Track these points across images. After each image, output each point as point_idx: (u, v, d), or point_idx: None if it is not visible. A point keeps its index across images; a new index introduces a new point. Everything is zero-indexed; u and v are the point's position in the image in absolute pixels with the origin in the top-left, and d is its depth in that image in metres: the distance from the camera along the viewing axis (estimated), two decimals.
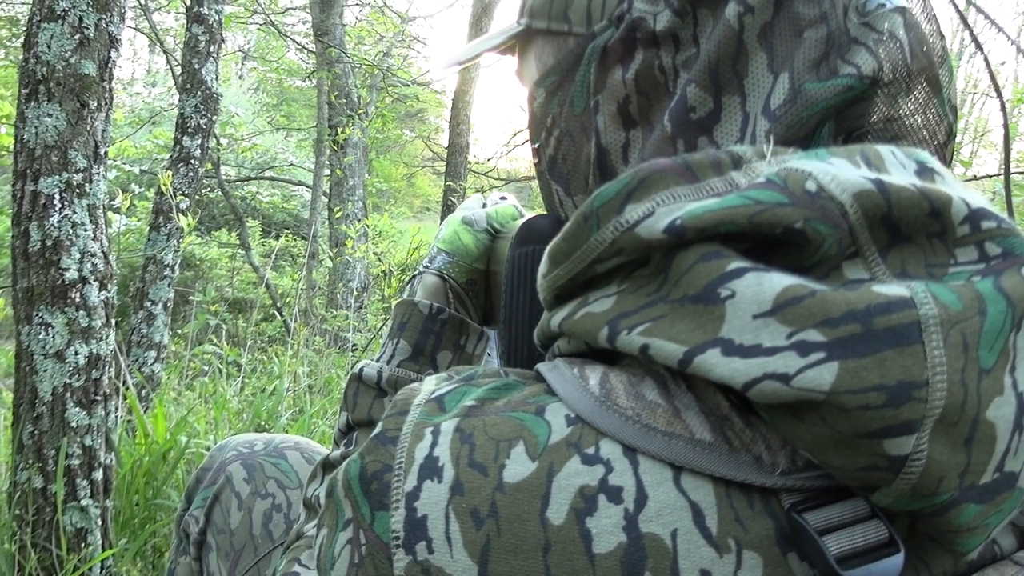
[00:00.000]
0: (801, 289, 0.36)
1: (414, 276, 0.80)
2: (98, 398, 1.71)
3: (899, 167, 0.42)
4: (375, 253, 5.89)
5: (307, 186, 8.69)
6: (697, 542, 0.37)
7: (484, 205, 0.84)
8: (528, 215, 0.79)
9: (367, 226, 5.88)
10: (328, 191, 6.88)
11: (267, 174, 9.72)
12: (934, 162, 0.43)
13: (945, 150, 0.50)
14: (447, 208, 7.24)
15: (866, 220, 0.39)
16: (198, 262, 7.99)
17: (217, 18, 3.06)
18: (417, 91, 9.29)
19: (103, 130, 1.71)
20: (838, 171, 0.40)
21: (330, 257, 6.19)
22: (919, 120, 0.48)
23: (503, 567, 0.38)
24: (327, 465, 0.72)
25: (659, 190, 0.42)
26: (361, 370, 0.76)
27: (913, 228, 0.39)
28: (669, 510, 0.37)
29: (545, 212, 0.70)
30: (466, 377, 0.48)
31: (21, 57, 1.69)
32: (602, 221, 0.43)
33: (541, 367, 0.46)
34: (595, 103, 0.52)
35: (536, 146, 0.59)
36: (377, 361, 0.76)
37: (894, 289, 0.36)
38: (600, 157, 0.52)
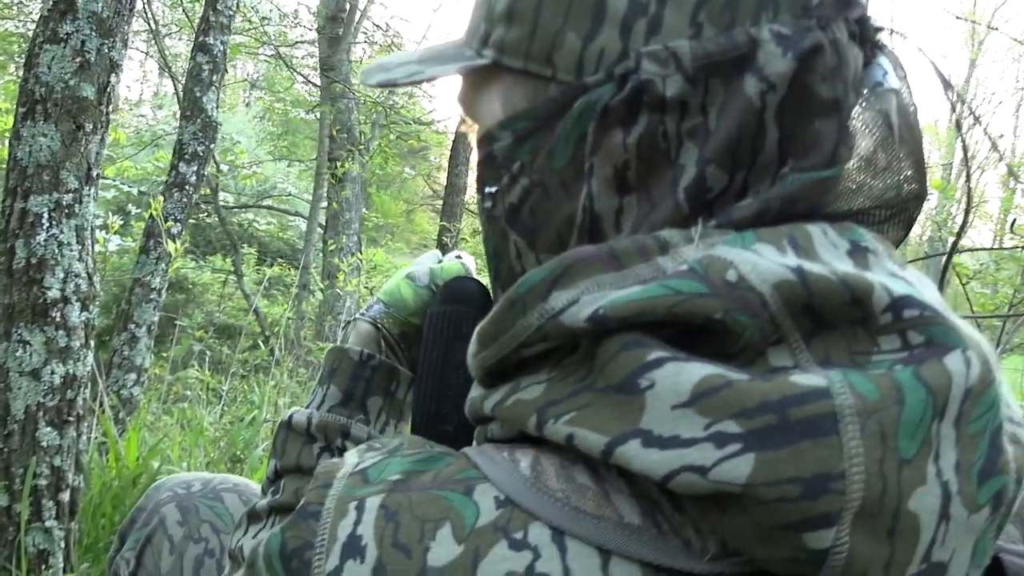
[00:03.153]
0: (718, 379, 0.36)
1: (347, 323, 0.80)
2: (71, 419, 1.70)
3: (830, 248, 0.42)
4: (367, 287, 5.89)
5: (304, 217, 8.72)
6: None
7: (439, 261, 0.82)
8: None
9: (360, 260, 5.89)
10: (324, 223, 6.90)
11: (265, 202, 9.76)
12: (867, 239, 0.43)
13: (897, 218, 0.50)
14: (442, 247, 7.27)
15: (787, 309, 0.38)
16: (191, 286, 7.97)
17: (222, 48, 3.10)
18: (420, 130, 9.37)
19: (97, 152, 1.73)
20: (759, 259, 0.39)
21: (321, 289, 6.19)
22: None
23: None
24: (253, 515, 0.70)
25: (584, 278, 0.42)
26: (290, 417, 0.74)
27: (836, 316, 0.39)
28: None
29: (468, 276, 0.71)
30: (391, 449, 0.48)
31: (22, 76, 1.71)
32: (528, 307, 0.43)
33: (468, 451, 0.45)
34: (589, 166, 0.47)
35: (491, 190, 0.54)
36: (307, 408, 0.76)
37: (811, 379, 0.36)
38: (592, 222, 0.48)
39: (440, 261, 0.82)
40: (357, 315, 0.80)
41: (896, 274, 0.42)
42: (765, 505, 0.34)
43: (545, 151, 0.50)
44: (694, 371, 0.37)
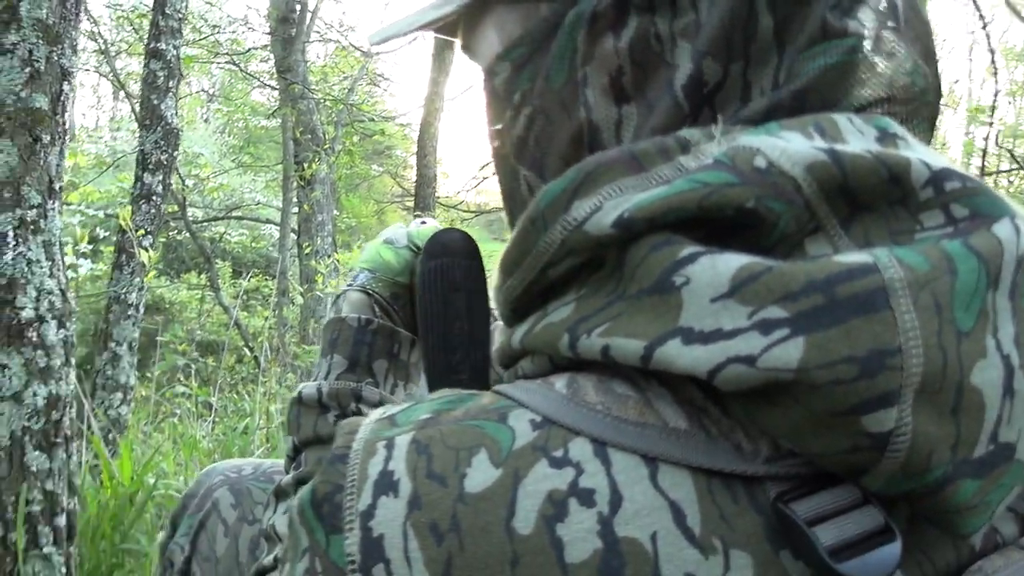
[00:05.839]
0: (758, 266, 0.34)
1: (338, 296, 0.80)
2: (59, 440, 1.65)
3: (856, 135, 0.40)
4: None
5: (275, 224, 8.64)
6: (679, 544, 0.34)
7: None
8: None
9: (337, 261, 5.84)
10: (297, 228, 6.84)
11: (235, 214, 9.67)
12: (895, 127, 0.41)
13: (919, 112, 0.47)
14: None
15: (822, 192, 0.37)
16: (168, 305, 7.89)
17: (175, 53, 3.04)
18: (383, 127, 9.31)
19: (57, 164, 1.67)
20: (788, 144, 0.37)
21: (301, 294, 6.14)
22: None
23: None
24: (280, 492, 0.69)
25: (605, 183, 0.40)
26: (300, 393, 0.74)
27: (873, 196, 0.37)
28: (647, 511, 0.34)
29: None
30: (416, 400, 0.46)
31: None
32: (549, 222, 0.41)
33: (499, 387, 0.43)
34: (583, 75, 0.46)
35: (498, 127, 0.53)
36: (314, 381, 0.75)
37: (855, 256, 0.34)
38: (592, 135, 0.47)
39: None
40: (344, 287, 0.81)
41: (930, 152, 0.40)
42: (819, 390, 0.32)
43: (543, 74, 0.48)
44: (731, 261, 0.35)
